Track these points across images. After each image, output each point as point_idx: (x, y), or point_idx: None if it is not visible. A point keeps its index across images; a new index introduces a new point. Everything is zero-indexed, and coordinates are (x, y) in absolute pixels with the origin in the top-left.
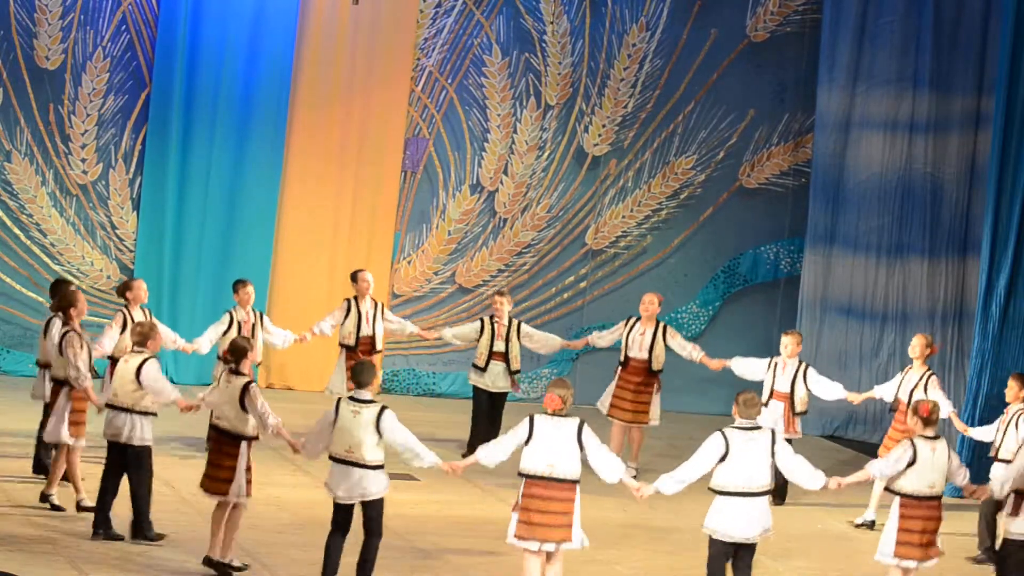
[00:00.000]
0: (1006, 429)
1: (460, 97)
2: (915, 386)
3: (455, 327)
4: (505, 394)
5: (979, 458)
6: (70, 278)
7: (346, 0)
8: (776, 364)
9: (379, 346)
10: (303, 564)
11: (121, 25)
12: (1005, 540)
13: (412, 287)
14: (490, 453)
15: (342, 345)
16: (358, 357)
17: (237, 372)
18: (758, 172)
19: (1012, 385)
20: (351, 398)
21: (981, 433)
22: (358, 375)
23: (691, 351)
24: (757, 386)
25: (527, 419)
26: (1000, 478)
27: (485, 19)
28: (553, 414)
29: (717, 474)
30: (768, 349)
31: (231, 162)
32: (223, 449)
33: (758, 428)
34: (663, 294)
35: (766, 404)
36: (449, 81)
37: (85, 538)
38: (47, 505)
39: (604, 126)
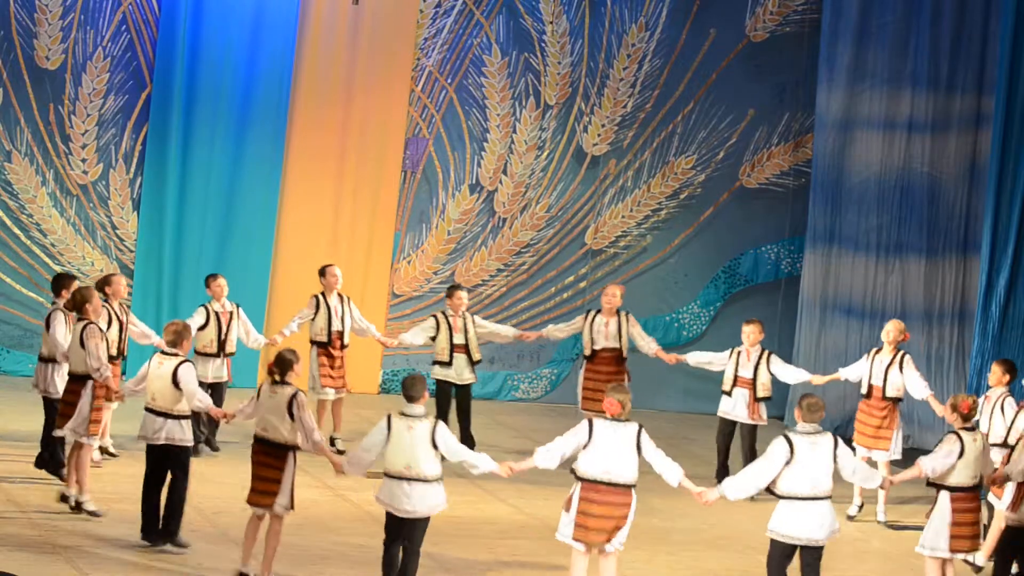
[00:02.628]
0: (991, 414)
1: (460, 97)
2: (888, 366)
3: (413, 329)
4: (470, 386)
5: None
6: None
7: (346, 0)
8: (739, 353)
9: (347, 340)
10: (303, 564)
11: (121, 25)
12: (1008, 527)
13: (412, 287)
14: (548, 456)
15: (313, 342)
16: (330, 352)
17: (282, 382)
18: (758, 172)
19: (995, 370)
20: (402, 413)
21: None
22: (408, 389)
23: (649, 343)
24: (805, 387)
25: (586, 422)
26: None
27: (485, 19)
28: (613, 419)
29: (782, 480)
30: (770, 349)
31: (231, 162)
32: (268, 461)
33: (820, 432)
34: (663, 294)
35: (729, 392)
36: (449, 81)
37: (85, 538)
38: (66, 507)
39: (603, 126)
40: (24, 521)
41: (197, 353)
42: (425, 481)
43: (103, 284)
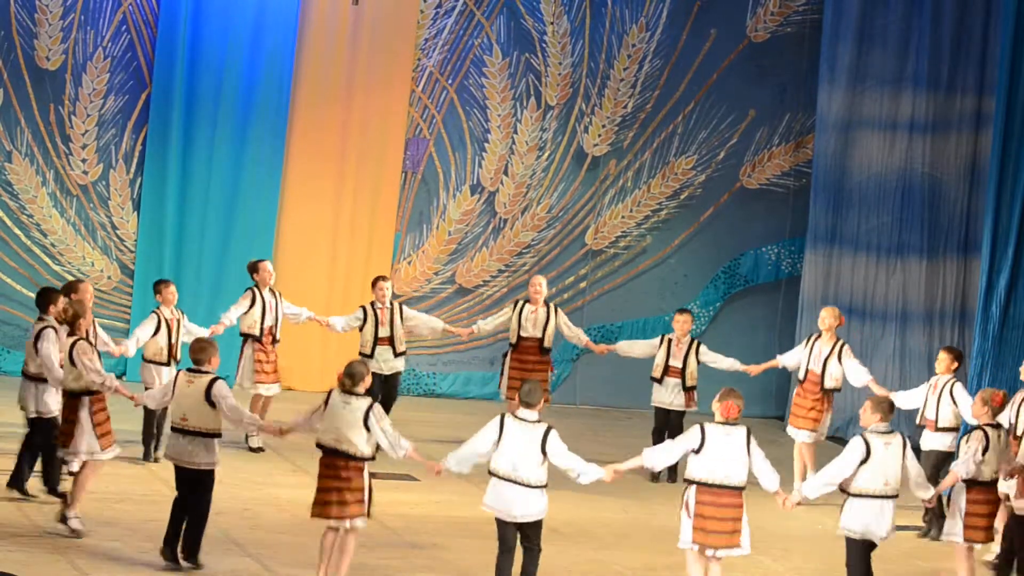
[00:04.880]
0: (939, 400)
1: (460, 97)
2: (828, 356)
3: (344, 317)
4: (399, 374)
5: None
6: (66, 280)
7: (346, 0)
8: (670, 342)
9: (278, 335)
10: (303, 564)
11: (121, 25)
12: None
13: (412, 288)
14: (657, 458)
15: (246, 335)
16: (263, 348)
17: (353, 393)
18: (759, 172)
19: (943, 357)
20: (516, 416)
21: (904, 399)
22: (526, 396)
23: (578, 334)
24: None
25: (697, 427)
26: None
27: (485, 20)
28: (724, 422)
29: (857, 477)
30: (770, 350)
31: (231, 162)
32: (342, 473)
33: (892, 432)
34: (663, 294)
35: (660, 380)
36: (449, 81)
37: (85, 538)
38: (66, 528)
39: (604, 126)
40: (24, 521)
41: (146, 361)
42: (529, 487)
43: (68, 291)
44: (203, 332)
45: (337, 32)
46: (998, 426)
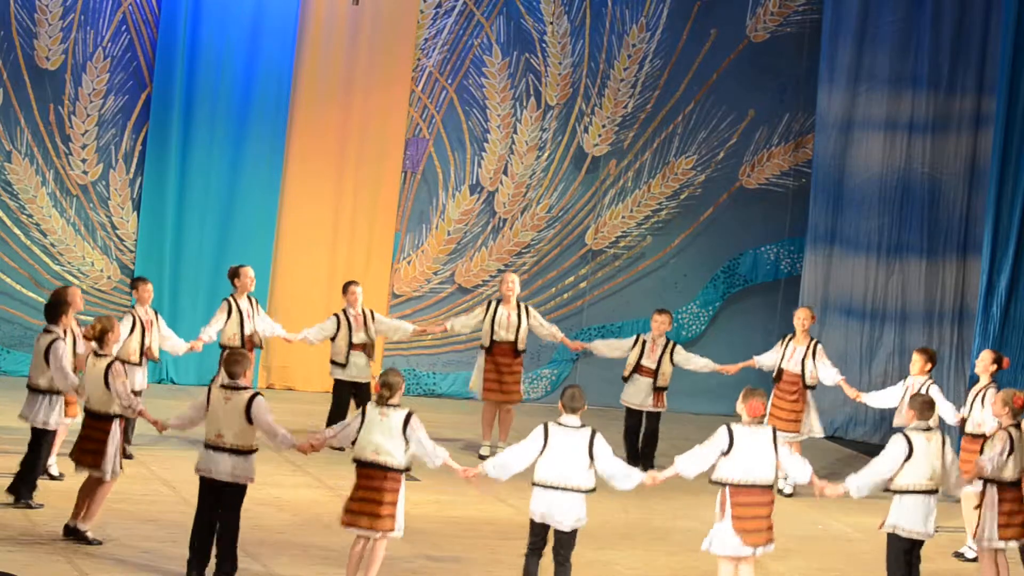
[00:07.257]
0: None
1: (460, 97)
2: (805, 355)
3: (315, 327)
4: (370, 383)
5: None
6: (65, 279)
7: (346, 1)
8: (644, 342)
9: (259, 342)
10: (303, 564)
11: (121, 25)
12: None
13: (412, 287)
14: (691, 465)
15: (225, 347)
16: None
17: (390, 404)
18: (758, 172)
19: (917, 359)
20: (559, 423)
21: (877, 399)
22: (569, 400)
23: (553, 332)
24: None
25: (724, 428)
26: None
27: (485, 19)
28: (750, 423)
29: (902, 474)
30: (768, 350)
31: (231, 162)
32: (382, 486)
33: (932, 429)
34: (663, 295)
35: (627, 378)
36: (449, 81)
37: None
38: (82, 540)
39: (604, 126)
40: (24, 521)
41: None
42: (580, 491)
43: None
44: (182, 343)
45: (337, 32)
46: (1019, 425)
